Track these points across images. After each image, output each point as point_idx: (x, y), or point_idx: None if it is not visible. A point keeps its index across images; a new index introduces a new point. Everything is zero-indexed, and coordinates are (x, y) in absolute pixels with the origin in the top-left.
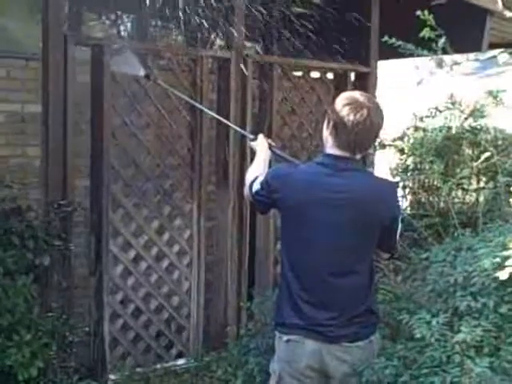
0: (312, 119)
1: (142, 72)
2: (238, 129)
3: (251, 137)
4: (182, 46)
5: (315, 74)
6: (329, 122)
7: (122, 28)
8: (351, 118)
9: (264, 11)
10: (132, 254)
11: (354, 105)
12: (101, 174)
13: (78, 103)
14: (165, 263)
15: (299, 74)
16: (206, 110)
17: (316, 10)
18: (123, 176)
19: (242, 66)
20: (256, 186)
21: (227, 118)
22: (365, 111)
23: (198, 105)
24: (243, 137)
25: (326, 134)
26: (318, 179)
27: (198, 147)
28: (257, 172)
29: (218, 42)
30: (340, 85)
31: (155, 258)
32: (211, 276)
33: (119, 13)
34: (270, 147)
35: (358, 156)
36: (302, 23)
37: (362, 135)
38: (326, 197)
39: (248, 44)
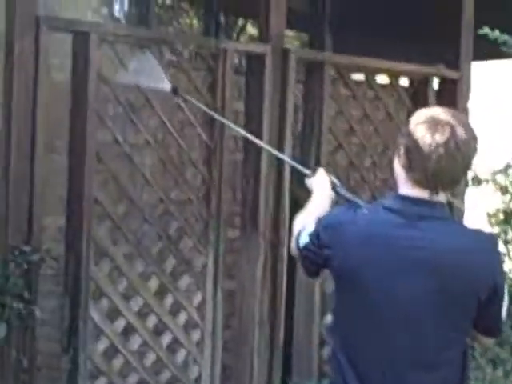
0: (378, 142)
1: (167, 85)
2: (287, 159)
3: (306, 172)
4: (197, 34)
5: (383, 80)
6: (400, 148)
7: (115, 7)
8: (428, 139)
9: None
10: (121, 324)
11: (433, 122)
12: (80, 210)
13: (53, 110)
14: (166, 339)
15: (361, 78)
16: (235, 127)
17: None
18: (111, 214)
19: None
20: (304, 239)
21: (258, 137)
22: (447, 130)
23: (232, 125)
24: (295, 171)
25: (398, 165)
26: (385, 231)
27: (217, 176)
28: (310, 219)
29: (248, 30)
30: (418, 95)
31: (153, 331)
32: (231, 359)
33: None
34: (334, 187)
35: (442, 197)
36: (366, 7)
37: (445, 164)
38: (396, 257)
39: (290, 34)
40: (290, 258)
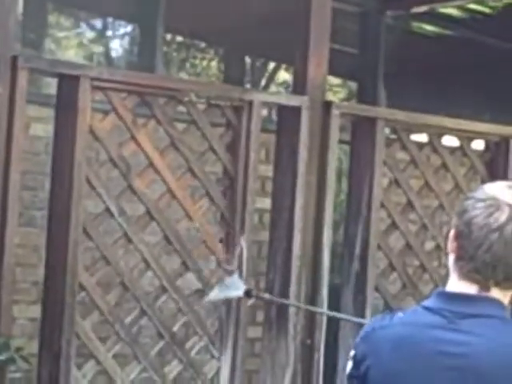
0: (443, 219)
1: (241, 290)
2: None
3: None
4: (216, 81)
5: (451, 142)
6: (451, 231)
7: (113, 45)
8: (480, 220)
9: (365, 29)
10: None
11: (492, 200)
12: (61, 297)
13: (28, 171)
14: None
15: (423, 139)
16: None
17: (456, 30)
18: (100, 304)
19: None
20: (348, 364)
21: (289, 215)
22: (504, 214)
23: None
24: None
25: (450, 253)
26: (419, 334)
27: (237, 259)
28: None
29: (281, 76)
30: (495, 162)
31: None
32: None
33: (110, 18)
34: None
35: (496, 293)
36: (428, 52)
37: (499, 254)
38: (430, 364)
39: (334, 82)
40: (327, 366)
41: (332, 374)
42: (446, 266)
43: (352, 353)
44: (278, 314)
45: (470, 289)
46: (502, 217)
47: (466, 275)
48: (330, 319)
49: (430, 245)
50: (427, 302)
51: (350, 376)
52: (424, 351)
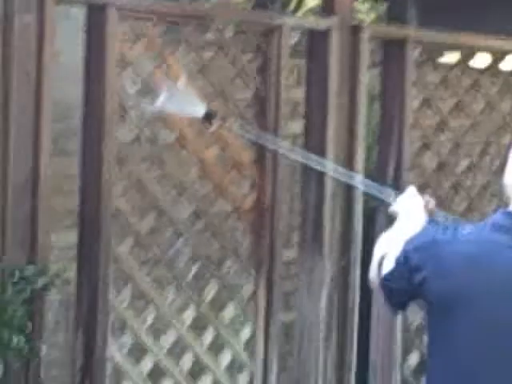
0: (476, 139)
1: (201, 110)
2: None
3: (389, 196)
4: (243, 8)
5: (483, 62)
6: None
7: None
8: None
9: None
10: (148, 364)
11: None
12: (97, 223)
13: (61, 100)
14: (206, 383)
15: (454, 59)
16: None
17: None
18: (136, 229)
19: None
20: (388, 265)
21: (321, 137)
22: None
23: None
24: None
25: (510, 175)
26: (492, 252)
27: (270, 182)
28: (395, 243)
29: (309, 3)
30: None
31: (189, 373)
32: None
33: None
34: (430, 212)
35: None
36: None
37: None
38: (507, 285)
39: (363, 4)
40: (363, 285)
41: (367, 292)
42: (479, 185)
43: (397, 255)
44: (313, 235)
45: None
46: None
47: None
48: (365, 240)
49: (463, 164)
50: (495, 220)
51: (392, 275)
52: (500, 271)
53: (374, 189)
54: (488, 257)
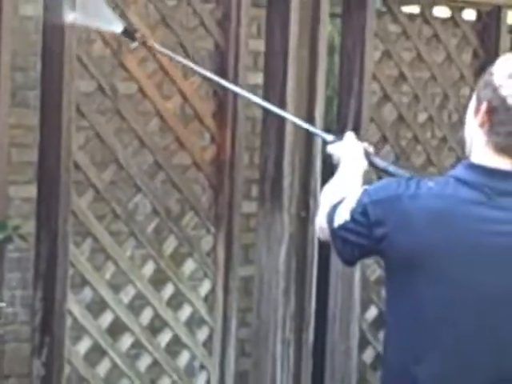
0: (435, 91)
1: (119, 27)
2: (307, 126)
3: (328, 138)
4: None
5: (443, 13)
6: (479, 106)
7: None
8: None
9: None
10: (107, 319)
11: None
12: (57, 178)
13: (19, 52)
14: (164, 338)
15: (414, 10)
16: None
17: None
18: (95, 183)
19: None
20: (341, 216)
21: (281, 89)
22: None
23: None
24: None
25: (473, 125)
26: (458, 209)
27: (230, 135)
28: (341, 191)
29: None
30: (487, 32)
31: (148, 328)
32: (247, 365)
33: None
34: (367, 155)
35: None
36: None
37: None
38: (474, 241)
39: None
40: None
41: (327, 246)
42: (438, 138)
43: (352, 205)
44: (272, 189)
45: (505, 164)
46: None
47: (502, 150)
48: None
49: (422, 116)
50: (459, 174)
51: (346, 228)
52: (466, 228)
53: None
54: (452, 212)
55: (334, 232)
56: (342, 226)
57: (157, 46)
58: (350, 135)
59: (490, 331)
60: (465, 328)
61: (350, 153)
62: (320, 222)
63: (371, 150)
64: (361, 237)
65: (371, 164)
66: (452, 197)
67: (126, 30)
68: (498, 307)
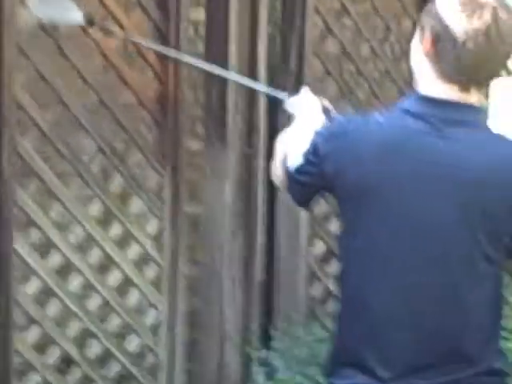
0: (377, 23)
1: (79, 17)
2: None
3: (282, 95)
4: None
5: None
6: (423, 35)
7: None
8: (463, 24)
9: None
10: (55, 260)
11: (470, 4)
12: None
13: None
14: (113, 277)
15: None
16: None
17: None
18: (39, 122)
19: None
20: (295, 160)
21: (224, 26)
22: (487, 12)
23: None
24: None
25: (419, 54)
26: (405, 140)
27: (173, 72)
28: (297, 139)
29: None
30: None
31: (97, 267)
32: (196, 302)
33: None
34: (325, 111)
35: (475, 97)
36: None
37: (483, 55)
38: (419, 171)
39: None
40: (268, 172)
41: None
42: (381, 71)
43: (308, 147)
44: (216, 126)
45: (451, 91)
46: (485, 17)
47: (447, 77)
48: (271, 125)
49: (365, 49)
50: (405, 105)
51: (299, 170)
52: (413, 158)
53: (269, 91)
54: (401, 143)
55: (289, 176)
56: (296, 170)
57: (120, 33)
58: (305, 90)
59: (430, 252)
60: (413, 258)
61: (308, 106)
62: (275, 170)
63: (329, 105)
64: (313, 177)
65: (330, 120)
66: (399, 128)
67: (87, 18)
68: (431, 231)
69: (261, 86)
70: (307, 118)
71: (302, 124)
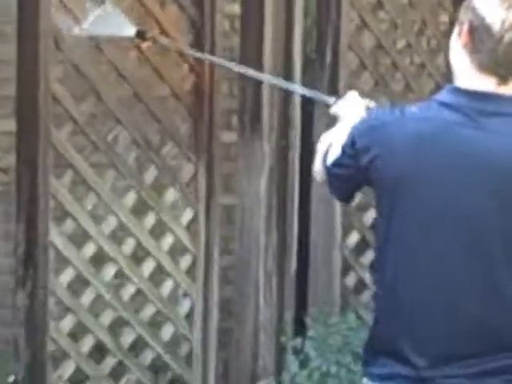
0: (414, 17)
1: (131, 30)
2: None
3: (330, 100)
4: None
5: None
6: (461, 29)
7: None
8: (502, 18)
9: None
10: (90, 250)
11: None
12: (35, 110)
13: None
14: (148, 267)
15: None
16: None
17: None
18: (74, 115)
19: None
20: (334, 154)
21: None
22: None
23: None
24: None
25: (457, 48)
26: (441, 132)
27: (208, 64)
28: (338, 137)
29: None
30: None
31: (131, 257)
32: (230, 292)
33: None
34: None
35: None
36: None
37: None
38: (454, 162)
39: None
40: (303, 165)
41: (308, 173)
42: (417, 64)
43: (346, 141)
44: (251, 116)
45: (488, 83)
46: None
47: (484, 68)
48: (305, 119)
49: (401, 43)
50: (442, 97)
51: (338, 163)
52: (448, 149)
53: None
54: (437, 135)
55: (328, 170)
56: (334, 163)
57: (168, 43)
58: (352, 94)
59: (473, 252)
60: (449, 250)
61: (353, 111)
62: (316, 166)
63: (373, 105)
64: (350, 169)
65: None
66: (435, 119)
67: (139, 32)
68: (469, 221)
69: (308, 92)
70: (350, 120)
71: (346, 126)
